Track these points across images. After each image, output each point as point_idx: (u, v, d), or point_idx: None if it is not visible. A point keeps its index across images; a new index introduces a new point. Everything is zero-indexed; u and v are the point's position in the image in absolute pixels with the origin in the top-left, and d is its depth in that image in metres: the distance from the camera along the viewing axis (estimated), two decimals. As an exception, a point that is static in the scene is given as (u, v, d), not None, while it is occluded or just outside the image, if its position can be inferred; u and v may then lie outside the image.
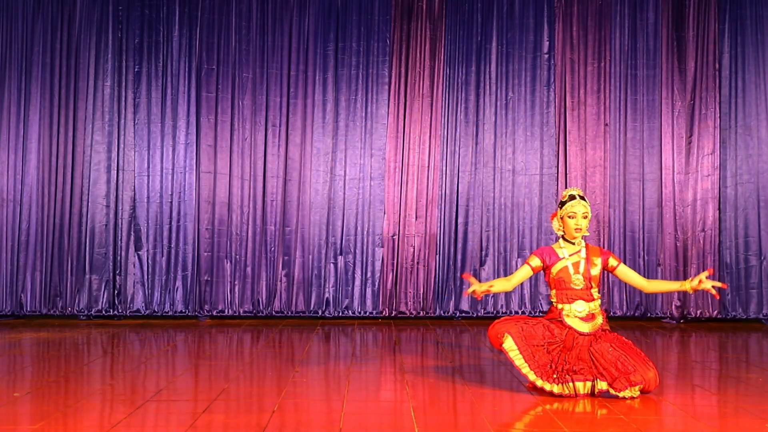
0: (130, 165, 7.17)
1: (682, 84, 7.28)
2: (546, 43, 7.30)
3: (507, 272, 7.20)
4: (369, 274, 7.19)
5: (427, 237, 7.20)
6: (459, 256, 7.19)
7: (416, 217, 7.21)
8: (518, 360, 4.06)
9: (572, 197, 4.24)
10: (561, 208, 4.26)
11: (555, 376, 4.01)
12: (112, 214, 7.13)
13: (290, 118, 7.24)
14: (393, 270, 7.18)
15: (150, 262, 7.12)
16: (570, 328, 4.14)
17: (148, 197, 7.15)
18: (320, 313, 7.16)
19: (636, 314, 7.19)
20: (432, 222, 7.21)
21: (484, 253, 7.21)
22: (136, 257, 7.13)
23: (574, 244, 4.26)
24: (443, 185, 7.25)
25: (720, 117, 7.25)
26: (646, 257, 7.21)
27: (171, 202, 7.16)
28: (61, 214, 7.11)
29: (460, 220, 7.22)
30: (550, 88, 7.28)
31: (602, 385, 3.98)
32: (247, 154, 7.20)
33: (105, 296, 7.09)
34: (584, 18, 7.31)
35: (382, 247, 7.18)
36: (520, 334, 4.09)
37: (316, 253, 7.19)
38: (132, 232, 7.14)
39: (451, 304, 7.19)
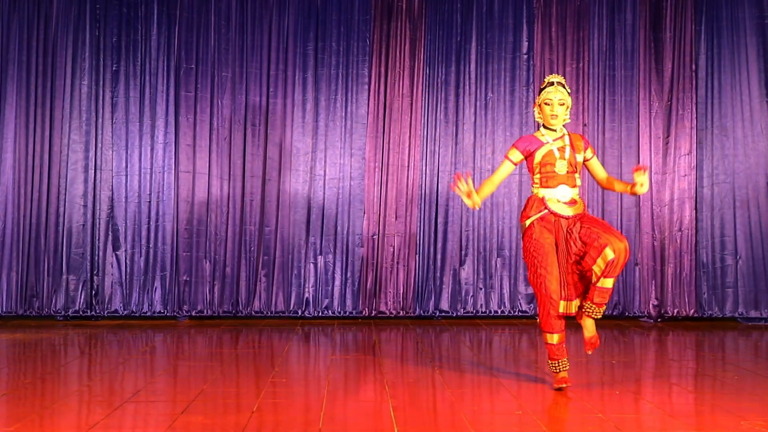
0: (108, 164, 7.11)
1: (660, 85, 7.35)
2: (525, 44, 7.33)
3: (487, 272, 7.22)
4: (349, 274, 7.18)
5: (407, 237, 7.20)
6: (439, 256, 7.21)
7: (396, 217, 7.21)
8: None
9: (550, 83, 4.25)
10: (539, 95, 4.28)
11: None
12: (90, 213, 7.07)
13: (270, 118, 7.21)
14: (373, 270, 7.17)
15: (128, 262, 7.07)
16: (554, 214, 4.15)
17: (126, 197, 7.10)
18: (300, 313, 7.14)
19: (614, 313, 7.24)
20: (412, 222, 7.22)
21: (463, 252, 7.22)
22: (114, 257, 7.07)
23: (555, 131, 4.25)
24: (423, 185, 7.26)
25: (697, 118, 7.32)
26: (624, 257, 7.25)
27: (149, 202, 7.11)
28: (38, 214, 7.03)
29: (440, 219, 7.23)
30: (529, 88, 7.32)
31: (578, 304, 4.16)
32: (226, 153, 7.17)
33: (82, 297, 7.03)
34: (563, 19, 7.35)
35: (362, 246, 7.18)
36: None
37: (296, 253, 7.17)
38: (110, 232, 7.08)
39: (431, 303, 7.20)
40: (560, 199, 4.18)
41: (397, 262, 7.18)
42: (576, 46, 7.33)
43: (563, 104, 4.23)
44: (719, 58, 7.30)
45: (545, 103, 4.23)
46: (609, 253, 3.96)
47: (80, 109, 7.09)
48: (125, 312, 7.05)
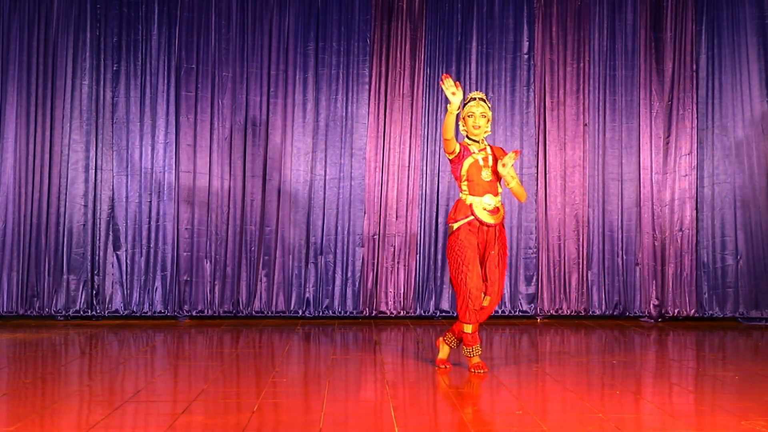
0: (109, 164, 7.11)
1: (660, 85, 7.34)
2: (526, 44, 7.33)
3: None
4: (349, 274, 7.19)
5: (407, 237, 7.20)
6: (439, 256, 7.20)
7: (397, 217, 7.21)
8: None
9: (472, 99, 4.74)
10: (462, 109, 4.70)
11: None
12: (90, 213, 7.07)
13: (270, 118, 7.21)
14: (373, 270, 7.17)
15: (129, 262, 7.07)
16: (479, 220, 4.61)
17: (126, 197, 7.10)
18: (300, 313, 7.15)
19: (615, 313, 7.24)
20: (412, 222, 7.22)
21: (464, 252, 7.21)
22: (115, 257, 7.07)
23: (478, 142, 4.73)
24: (424, 185, 7.26)
25: (697, 117, 7.32)
26: (624, 257, 7.26)
27: (150, 202, 7.11)
28: (39, 214, 7.03)
29: (441, 219, 7.23)
30: (529, 88, 7.32)
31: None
32: (226, 153, 7.17)
33: (83, 297, 7.03)
34: (563, 19, 7.35)
35: (363, 246, 7.18)
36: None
37: (297, 253, 7.17)
38: (110, 232, 7.08)
39: (432, 303, 7.20)
40: (485, 207, 4.62)
41: (398, 262, 7.18)
42: (576, 45, 7.33)
43: (485, 116, 4.71)
44: (720, 58, 7.30)
45: (468, 116, 4.72)
46: (485, 300, 4.65)
47: (81, 109, 7.10)
48: (126, 312, 7.05)
